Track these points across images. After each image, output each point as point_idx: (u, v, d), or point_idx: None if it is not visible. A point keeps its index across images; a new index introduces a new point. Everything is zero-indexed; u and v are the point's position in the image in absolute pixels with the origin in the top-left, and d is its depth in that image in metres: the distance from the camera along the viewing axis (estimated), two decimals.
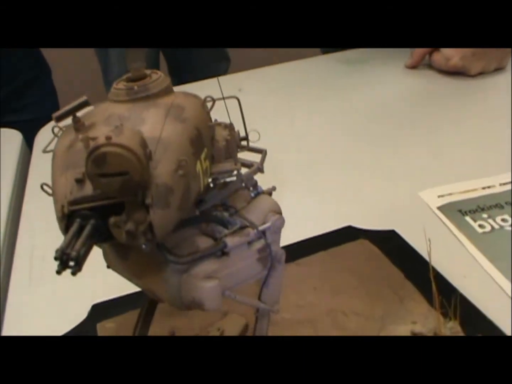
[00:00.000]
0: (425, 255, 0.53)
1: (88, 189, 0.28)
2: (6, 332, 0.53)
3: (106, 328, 0.50)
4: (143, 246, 0.28)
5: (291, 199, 0.63)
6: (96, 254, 0.45)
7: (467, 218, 0.59)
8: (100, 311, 0.52)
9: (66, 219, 0.28)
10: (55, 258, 0.26)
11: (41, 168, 0.77)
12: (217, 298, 0.32)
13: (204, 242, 0.32)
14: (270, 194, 0.37)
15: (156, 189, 0.27)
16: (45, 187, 0.30)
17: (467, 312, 0.45)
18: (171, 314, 0.46)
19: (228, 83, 0.99)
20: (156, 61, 1.41)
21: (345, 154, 0.73)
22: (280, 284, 0.36)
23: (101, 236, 0.28)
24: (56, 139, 0.33)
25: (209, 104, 0.33)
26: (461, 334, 0.43)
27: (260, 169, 0.36)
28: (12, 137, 0.89)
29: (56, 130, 0.33)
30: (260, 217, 0.34)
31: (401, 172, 0.68)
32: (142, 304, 0.41)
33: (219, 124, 0.34)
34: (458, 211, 0.60)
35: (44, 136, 0.89)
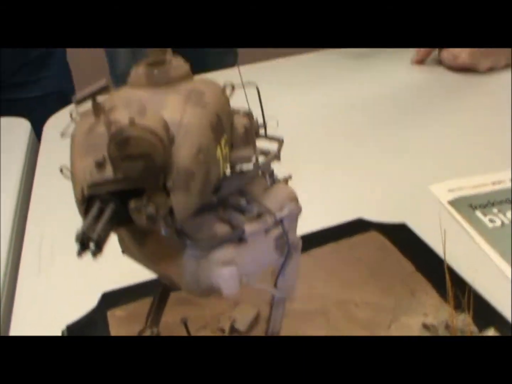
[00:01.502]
0: (435, 248, 0.53)
1: (108, 172, 0.28)
2: (15, 322, 0.53)
3: (116, 316, 0.50)
4: (163, 231, 0.28)
5: (301, 190, 0.63)
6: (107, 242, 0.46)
7: (478, 213, 0.59)
8: (110, 299, 0.52)
9: (86, 202, 0.28)
10: (76, 240, 0.26)
11: (50, 156, 0.78)
12: (234, 284, 0.32)
13: (222, 228, 0.32)
14: (286, 182, 0.37)
15: (177, 173, 0.27)
16: (64, 171, 0.30)
17: (478, 305, 0.45)
18: (183, 302, 0.46)
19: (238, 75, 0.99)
20: None
21: (355, 147, 0.73)
22: (296, 272, 0.36)
23: (120, 220, 0.28)
24: (67, 123, 0.33)
25: (228, 91, 0.33)
26: (473, 326, 0.43)
27: (277, 157, 0.36)
28: (20, 126, 0.89)
29: (74, 114, 0.33)
30: (277, 204, 0.34)
31: (412, 165, 0.68)
32: (152, 292, 0.41)
33: (238, 111, 0.34)
34: (469, 206, 0.60)
35: (54, 123, 0.89)
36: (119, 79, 1.37)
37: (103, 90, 0.30)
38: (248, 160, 0.33)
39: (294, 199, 0.35)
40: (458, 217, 0.59)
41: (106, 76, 1.15)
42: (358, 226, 0.56)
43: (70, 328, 0.49)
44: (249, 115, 0.33)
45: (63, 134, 0.33)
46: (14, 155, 0.81)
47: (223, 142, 0.30)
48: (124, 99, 0.31)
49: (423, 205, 0.61)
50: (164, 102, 0.30)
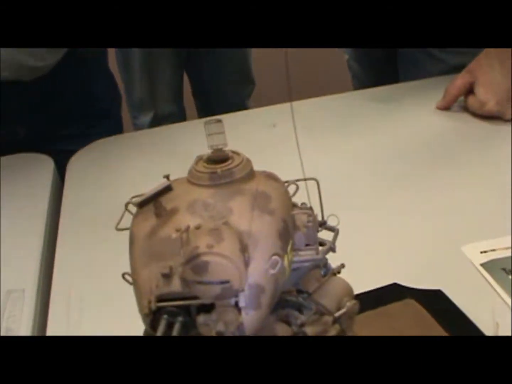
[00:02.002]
0: (473, 315, 0.52)
1: (175, 284, 0.27)
2: None
3: None
4: None
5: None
6: None
7: (511, 277, 0.58)
8: None
9: (152, 315, 0.27)
10: None
11: (74, 201, 0.78)
12: None
13: (282, 330, 0.32)
14: (339, 272, 0.37)
15: (249, 290, 0.27)
16: (126, 277, 0.29)
17: None
18: None
19: (261, 117, 0.99)
20: (180, 84, 1.41)
21: (378, 202, 0.73)
22: None
23: (187, 333, 0.27)
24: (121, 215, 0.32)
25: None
26: None
27: (333, 249, 0.35)
28: (43, 162, 0.89)
29: (130, 207, 0.32)
30: (334, 301, 0.34)
31: (441, 224, 0.68)
32: None
33: (299, 207, 0.33)
34: (502, 269, 0.59)
35: (76, 164, 0.88)
36: (136, 107, 1.38)
37: (166, 191, 0.29)
38: (312, 263, 0.32)
39: (351, 294, 0.35)
40: (492, 281, 0.58)
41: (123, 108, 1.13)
42: (393, 292, 0.56)
43: None
44: (310, 212, 0.33)
45: (118, 228, 0.33)
46: (37, 193, 0.80)
47: (289, 248, 0.30)
48: (187, 201, 0.30)
49: (456, 267, 0.61)
50: (229, 206, 0.29)
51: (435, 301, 0.54)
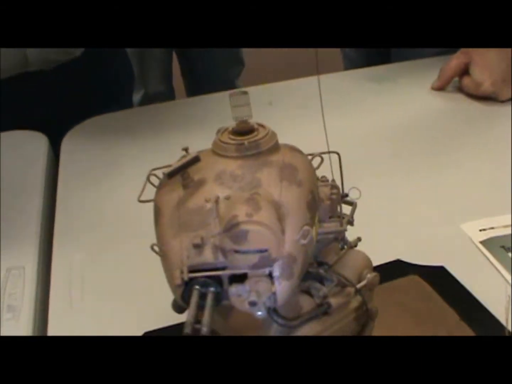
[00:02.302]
0: (475, 292, 0.53)
1: (207, 255, 0.27)
2: None
3: None
4: (259, 313, 0.28)
5: None
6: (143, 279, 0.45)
7: (510, 255, 0.59)
8: None
9: (184, 286, 0.27)
10: (185, 330, 0.25)
11: (70, 178, 0.77)
12: None
13: (305, 301, 0.32)
14: (355, 245, 0.37)
15: (283, 259, 0.27)
16: (155, 248, 0.29)
17: None
18: None
19: (255, 95, 0.98)
20: (169, 63, 1.40)
21: (377, 179, 0.73)
22: None
23: (219, 303, 0.27)
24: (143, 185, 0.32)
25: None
26: None
27: (351, 222, 0.36)
28: (37, 140, 0.87)
29: (152, 178, 0.32)
30: (354, 273, 0.34)
31: (440, 201, 0.68)
32: None
33: (322, 180, 0.33)
34: (501, 247, 0.60)
35: (71, 141, 0.87)
36: None
37: (194, 162, 0.29)
38: (336, 234, 0.32)
39: (370, 266, 0.35)
40: (492, 258, 0.59)
41: None
42: (397, 268, 0.56)
43: None
44: (333, 185, 0.33)
45: (140, 200, 0.33)
46: (33, 170, 0.79)
47: (316, 219, 0.30)
48: (214, 172, 0.30)
49: (456, 245, 0.61)
50: (258, 178, 0.29)
51: (439, 277, 0.55)
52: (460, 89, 0.91)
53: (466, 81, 0.89)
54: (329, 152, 0.32)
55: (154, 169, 0.32)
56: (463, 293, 0.53)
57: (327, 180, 0.34)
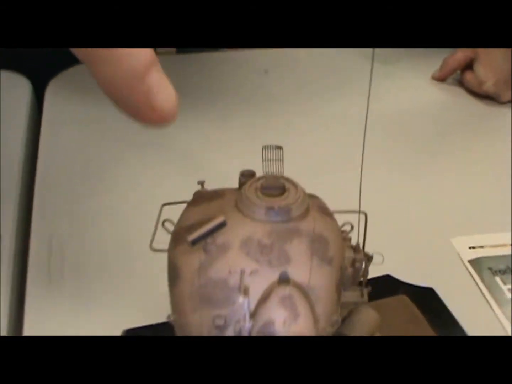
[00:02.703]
0: (463, 321, 0.53)
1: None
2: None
3: None
4: None
5: None
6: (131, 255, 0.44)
7: (497, 279, 0.59)
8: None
9: None
10: None
11: (54, 127, 0.73)
12: None
13: None
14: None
15: None
16: (171, 318, 0.28)
17: None
18: None
19: (252, 62, 0.94)
20: None
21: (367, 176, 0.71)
22: None
23: None
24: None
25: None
26: None
27: (365, 276, 0.34)
28: (20, 84, 0.83)
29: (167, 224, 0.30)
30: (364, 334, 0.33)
31: (432, 210, 0.67)
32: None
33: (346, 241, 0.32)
34: (488, 269, 0.61)
35: (55, 88, 0.83)
36: None
37: (220, 227, 0.27)
38: (354, 305, 0.31)
39: (379, 327, 0.34)
40: (478, 280, 0.59)
41: None
42: (387, 285, 0.56)
43: None
44: (356, 249, 0.31)
45: (153, 248, 0.31)
46: (14, 117, 0.75)
47: (341, 299, 0.29)
48: (240, 236, 0.28)
49: (444, 260, 0.61)
50: (287, 251, 0.28)
51: (427, 300, 0.55)
52: (461, 83, 0.89)
53: (468, 76, 0.87)
54: (359, 212, 0.31)
55: (166, 204, 0.30)
56: (449, 319, 0.54)
57: (347, 233, 0.33)
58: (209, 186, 0.35)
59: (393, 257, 0.60)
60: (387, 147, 0.76)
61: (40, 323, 0.52)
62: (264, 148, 0.29)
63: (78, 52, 0.31)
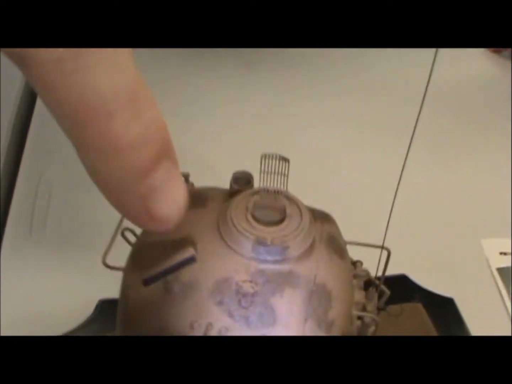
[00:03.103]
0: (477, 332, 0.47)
1: None
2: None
3: None
4: None
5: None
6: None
7: None
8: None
9: None
10: None
11: None
12: None
13: None
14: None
15: None
16: None
17: None
18: None
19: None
20: None
21: (387, 159, 0.64)
22: None
23: None
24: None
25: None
26: None
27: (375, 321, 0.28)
28: None
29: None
30: None
31: (462, 206, 0.59)
32: None
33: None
34: None
35: None
36: None
37: (187, 264, 0.21)
38: None
39: None
40: (505, 294, 0.53)
41: None
42: (401, 286, 0.50)
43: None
44: (371, 299, 0.25)
45: (104, 260, 0.24)
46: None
47: None
48: (214, 277, 0.21)
49: (471, 264, 0.54)
50: (273, 307, 0.21)
51: (444, 312, 0.49)
52: None
53: None
54: (382, 248, 0.24)
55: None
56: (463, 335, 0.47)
57: (362, 266, 0.26)
58: (198, 182, 0.28)
59: (411, 254, 0.53)
60: (421, 122, 0.67)
61: (14, 278, 0.48)
62: (264, 157, 0.22)
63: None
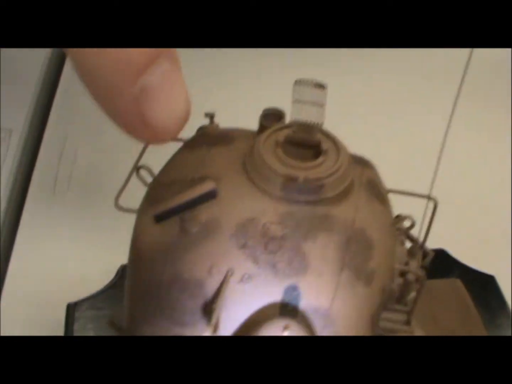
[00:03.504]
0: None
1: None
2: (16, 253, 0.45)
3: None
4: None
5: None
6: None
7: None
8: None
9: None
10: None
11: None
12: None
13: None
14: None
15: None
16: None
17: None
18: None
19: None
20: None
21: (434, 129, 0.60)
22: None
23: None
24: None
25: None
26: None
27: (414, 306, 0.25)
28: None
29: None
30: None
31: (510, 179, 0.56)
32: None
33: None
34: None
35: None
36: None
37: (207, 199, 0.18)
38: (396, 333, 0.22)
39: None
40: None
41: None
42: (438, 262, 0.46)
43: None
44: (411, 252, 0.22)
45: (117, 203, 0.22)
46: None
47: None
48: (237, 216, 0.19)
49: None
50: (305, 254, 0.18)
51: (484, 289, 0.46)
52: None
53: None
54: (428, 198, 0.21)
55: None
56: (507, 318, 0.44)
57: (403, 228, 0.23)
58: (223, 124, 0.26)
59: (452, 228, 0.50)
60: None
61: (34, 237, 0.47)
62: (297, 83, 0.19)
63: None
